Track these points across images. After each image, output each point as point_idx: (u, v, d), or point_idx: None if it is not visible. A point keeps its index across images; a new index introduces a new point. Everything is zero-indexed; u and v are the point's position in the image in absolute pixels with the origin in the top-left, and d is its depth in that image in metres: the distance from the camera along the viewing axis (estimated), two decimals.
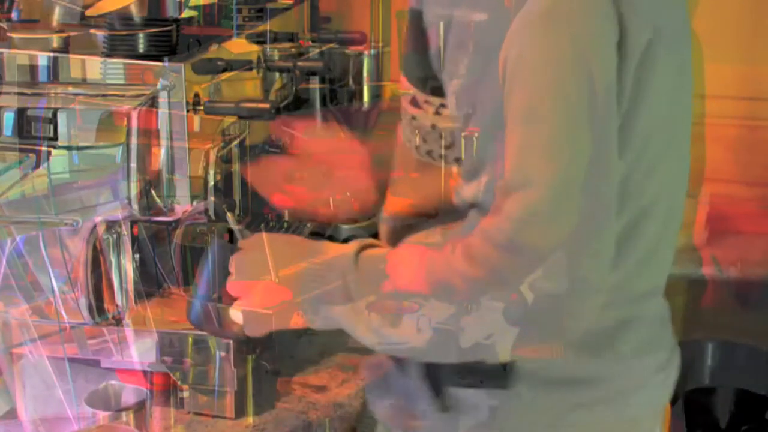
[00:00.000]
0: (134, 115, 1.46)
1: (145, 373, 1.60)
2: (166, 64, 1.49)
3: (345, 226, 2.02)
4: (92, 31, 1.59)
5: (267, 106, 1.53)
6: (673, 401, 2.30)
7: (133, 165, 1.46)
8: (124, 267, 1.56)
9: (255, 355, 1.60)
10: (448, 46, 1.21)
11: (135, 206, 1.48)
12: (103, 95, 1.49)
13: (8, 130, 1.48)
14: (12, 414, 1.59)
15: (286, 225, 1.86)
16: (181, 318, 1.47)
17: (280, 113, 1.60)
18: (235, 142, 1.63)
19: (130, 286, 1.57)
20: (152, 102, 1.48)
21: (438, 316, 1.17)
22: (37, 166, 1.47)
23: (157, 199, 1.50)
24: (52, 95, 1.49)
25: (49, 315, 1.55)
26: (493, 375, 1.26)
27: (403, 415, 1.34)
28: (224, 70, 1.55)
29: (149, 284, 1.63)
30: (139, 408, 1.54)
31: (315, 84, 2.01)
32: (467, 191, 1.22)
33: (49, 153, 1.46)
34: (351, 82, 2.01)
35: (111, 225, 1.53)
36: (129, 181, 1.47)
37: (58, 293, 1.53)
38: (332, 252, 1.26)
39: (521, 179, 1.12)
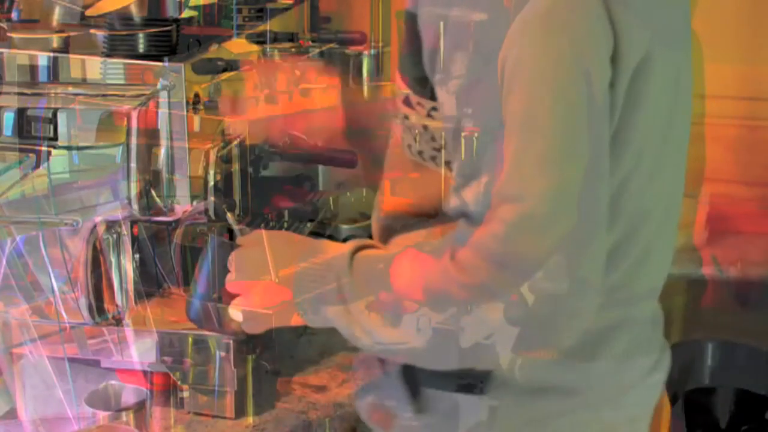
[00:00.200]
0: (134, 115, 1.46)
1: (145, 373, 1.60)
2: (166, 64, 1.49)
3: (345, 226, 2.02)
4: (92, 31, 1.59)
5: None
6: (673, 401, 2.30)
7: (133, 165, 1.46)
8: (124, 267, 1.56)
9: (255, 355, 1.60)
10: (446, 47, 1.21)
11: (135, 206, 1.48)
12: (103, 95, 1.49)
13: (8, 130, 1.48)
14: (12, 414, 1.59)
15: (286, 225, 1.86)
16: (181, 318, 1.47)
17: None
18: (235, 142, 1.63)
19: (130, 286, 1.57)
20: (152, 102, 1.48)
21: (434, 319, 1.17)
22: (37, 166, 1.47)
23: (157, 199, 1.50)
24: (52, 95, 1.49)
25: (49, 315, 1.55)
26: (472, 379, 1.26)
27: (383, 414, 1.35)
28: (224, 70, 1.55)
29: (149, 284, 1.63)
30: (139, 408, 1.54)
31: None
32: (462, 194, 1.21)
33: (49, 153, 1.46)
34: (351, 82, 2.01)
35: (111, 225, 1.53)
36: (129, 181, 1.47)
37: (58, 293, 1.53)
38: (330, 251, 1.26)
39: (515, 190, 1.12)
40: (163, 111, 1.48)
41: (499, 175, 1.13)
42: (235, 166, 1.64)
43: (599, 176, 1.14)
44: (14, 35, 1.59)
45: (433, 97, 1.25)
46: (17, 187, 1.47)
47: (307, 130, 1.60)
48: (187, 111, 1.49)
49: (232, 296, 1.30)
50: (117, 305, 1.56)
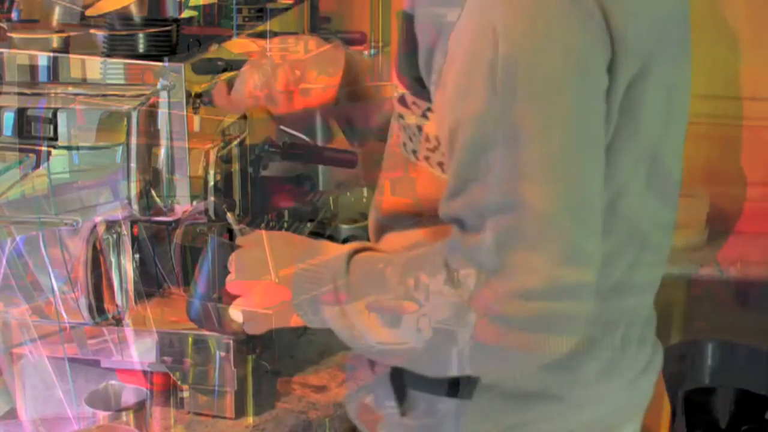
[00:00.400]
0: (134, 115, 1.46)
1: (145, 373, 1.60)
2: (166, 64, 1.49)
3: (345, 226, 2.02)
4: (92, 31, 1.59)
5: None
6: (673, 401, 2.31)
7: (133, 165, 1.46)
8: (124, 267, 1.56)
9: (255, 355, 1.60)
10: (441, 50, 1.20)
11: (135, 206, 1.48)
12: (103, 95, 1.49)
13: (8, 130, 1.48)
14: (12, 414, 1.59)
15: (286, 225, 1.86)
16: (181, 318, 1.47)
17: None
18: (235, 142, 1.63)
19: (130, 286, 1.57)
20: (152, 102, 1.48)
21: (431, 320, 1.17)
22: (37, 166, 1.47)
23: (157, 199, 1.50)
24: (52, 95, 1.49)
25: (49, 315, 1.55)
26: (458, 383, 1.26)
27: (370, 414, 1.35)
28: (224, 70, 1.55)
29: (149, 284, 1.63)
30: (139, 408, 1.54)
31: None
32: (455, 200, 1.20)
33: (49, 153, 1.46)
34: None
35: (111, 225, 1.53)
36: (129, 181, 1.47)
37: (58, 293, 1.53)
38: (330, 252, 1.26)
39: (511, 199, 1.11)
40: (163, 111, 1.48)
41: (493, 184, 1.12)
42: (235, 166, 1.64)
43: (596, 186, 1.13)
44: (14, 35, 1.59)
45: (429, 98, 1.25)
46: (17, 187, 1.47)
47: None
48: (187, 111, 1.49)
49: (233, 297, 1.30)
50: (117, 305, 1.57)
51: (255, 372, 1.60)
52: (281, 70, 1.49)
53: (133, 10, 1.56)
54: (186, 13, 1.69)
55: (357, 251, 1.25)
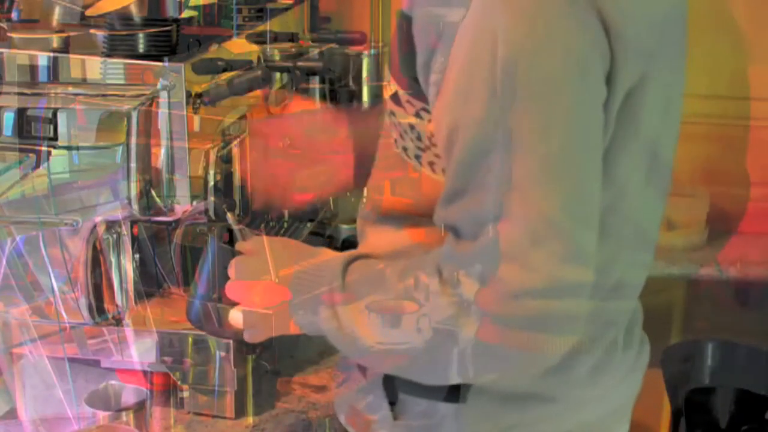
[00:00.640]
0: (134, 115, 1.46)
1: (145, 373, 1.60)
2: (166, 64, 1.49)
3: (345, 226, 2.02)
4: (92, 31, 1.59)
5: (259, 73, 1.53)
6: (673, 401, 2.31)
7: (133, 165, 1.46)
8: (124, 267, 1.56)
9: (255, 355, 1.60)
10: (438, 50, 1.20)
11: (135, 206, 1.48)
12: (103, 95, 1.49)
13: (8, 130, 1.48)
14: (12, 414, 1.59)
15: (286, 224, 1.86)
16: (181, 318, 1.47)
17: (271, 78, 1.60)
18: (235, 142, 1.63)
19: (130, 286, 1.57)
20: (152, 102, 1.48)
21: (430, 323, 1.17)
22: (37, 166, 1.47)
23: (157, 199, 1.50)
24: (52, 95, 1.49)
25: (49, 315, 1.55)
26: (451, 386, 1.26)
27: (360, 418, 1.35)
28: (224, 70, 1.55)
29: (149, 284, 1.63)
30: (139, 408, 1.54)
31: (315, 84, 2.01)
32: (452, 207, 1.20)
33: (49, 153, 1.46)
34: (351, 82, 2.01)
35: (111, 225, 1.53)
36: (129, 181, 1.47)
37: (58, 293, 1.53)
38: (326, 259, 1.27)
39: (507, 201, 1.11)
40: (163, 111, 1.48)
41: (493, 184, 1.12)
42: (235, 166, 1.64)
43: (596, 186, 1.13)
44: (14, 35, 1.59)
45: (424, 98, 1.24)
46: (17, 187, 1.47)
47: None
48: (187, 111, 1.49)
49: (233, 302, 1.30)
50: (117, 305, 1.57)
51: (255, 372, 1.61)
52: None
53: (133, 10, 1.56)
54: (186, 13, 1.69)
55: (355, 258, 1.25)
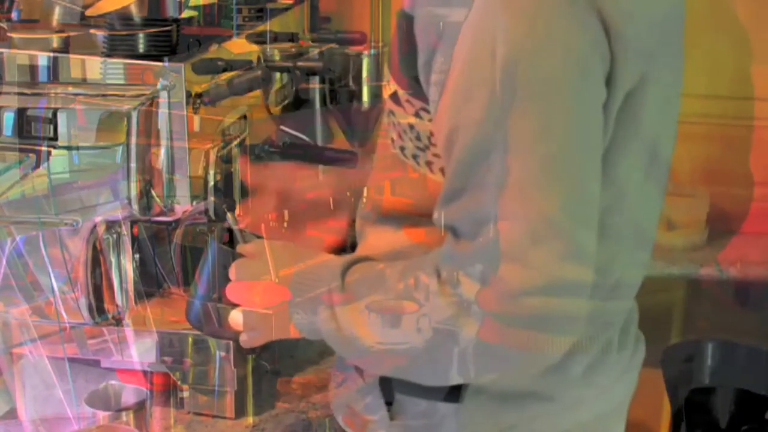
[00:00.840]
0: (134, 115, 1.46)
1: (145, 373, 1.61)
2: (166, 64, 1.49)
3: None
4: (92, 31, 1.59)
5: (259, 73, 1.53)
6: (673, 401, 2.31)
7: (133, 165, 1.46)
8: (124, 267, 1.56)
9: (255, 355, 1.60)
10: (439, 51, 1.20)
11: (135, 206, 1.48)
12: (103, 95, 1.49)
13: (8, 130, 1.48)
14: (12, 414, 1.59)
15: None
16: (181, 318, 1.47)
17: (271, 78, 1.59)
18: (235, 142, 1.63)
19: (130, 286, 1.57)
20: (152, 102, 1.48)
21: (430, 323, 1.17)
22: (37, 166, 1.47)
23: (157, 199, 1.50)
24: (52, 95, 1.49)
25: (49, 315, 1.55)
26: (447, 386, 1.26)
27: (356, 418, 1.35)
28: (224, 70, 1.55)
29: (149, 284, 1.63)
30: (139, 408, 1.54)
31: (315, 84, 2.01)
32: (451, 206, 1.19)
33: (49, 153, 1.46)
34: (351, 82, 2.01)
35: (111, 225, 1.53)
36: (129, 181, 1.47)
37: (58, 293, 1.53)
38: (325, 261, 1.27)
39: (507, 201, 1.11)
40: (163, 111, 1.48)
41: (492, 184, 1.12)
42: (235, 166, 1.64)
43: (595, 186, 1.14)
44: (14, 35, 1.59)
45: (423, 97, 1.24)
46: (17, 187, 1.47)
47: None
48: (187, 111, 1.49)
49: (234, 305, 1.30)
50: (117, 305, 1.57)
51: (255, 372, 1.61)
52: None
53: (133, 10, 1.56)
54: (186, 13, 1.69)
55: (356, 260, 1.25)
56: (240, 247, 1.32)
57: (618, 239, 1.20)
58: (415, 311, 1.17)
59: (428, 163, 1.26)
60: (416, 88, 1.25)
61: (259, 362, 1.62)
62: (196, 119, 1.51)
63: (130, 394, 1.58)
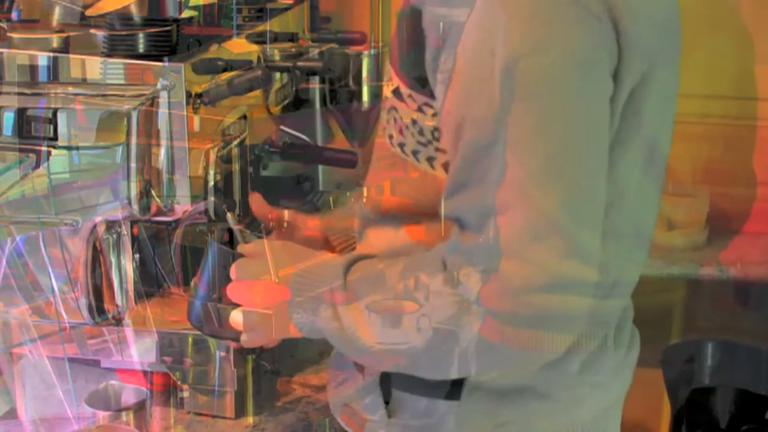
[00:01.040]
0: (134, 115, 1.46)
1: (145, 373, 1.61)
2: (166, 64, 1.49)
3: None
4: (92, 31, 1.59)
5: (259, 73, 1.53)
6: (673, 401, 2.31)
7: (133, 165, 1.46)
8: (124, 267, 1.56)
9: (255, 355, 1.60)
10: (446, 48, 1.21)
11: (135, 206, 1.48)
12: (103, 95, 1.49)
13: (8, 130, 1.48)
14: (12, 414, 1.59)
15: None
16: (181, 318, 1.47)
17: (271, 78, 1.59)
18: (235, 142, 1.63)
19: (130, 286, 1.57)
20: (152, 102, 1.48)
21: (431, 321, 1.17)
22: (37, 166, 1.47)
23: (157, 199, 1.50)
24: (52, 95, 1.49)
25: (49, 315, 1.55)
26: (445, 384, 1.26)
27: (354, 416, 1.35)
28: (224, 70, 1.55)
29: (149, 284, 1.63)
30: (139, 408, 1.54)
31: (315, 84, 2.01)
32: (456, 199, 1.20)
33: (49, 153, 1.46)
34: (351, 82, 2.01)
35: (111, 225, 1.53)
36: (129, 181, 1.47)
37: (58, 293, 1.53)
38: (327, 259, 1.27)
39: (509, 199, 1.11)
40: (163, 111, 1.48)
41: (495, 182, 1.12)
42: (235, 166, 1.64)
43: (598, 185, 1.14)
44: (14, 35, 1.59)
45: (426, 92, 1.25)
46: (17, 187, 1.47)
47: None
48: (187, 111, 1.49)
49: (235, 305, 1.30)
50: (117, 305, 1.57)
51: (255, 372, 1.61)
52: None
53: (133, 10, 1.56)
54: (186, 13, 1.69)
55: (357, 258, 1.25)
56: (240, 247, 1.32)
57: (617, 237, 1.20)
58: (418, 309, 1.17)
59: (429, 159, 1.26)
60: (419, 84, 1.25)
61: (259, 362, 1.62)
62: (196, 119, 1.51)
63: (130, 394, 1.58)
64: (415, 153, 1.28)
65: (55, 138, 1.46)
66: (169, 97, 1.48)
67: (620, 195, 1.19)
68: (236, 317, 1.29)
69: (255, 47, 1.77)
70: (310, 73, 1.82)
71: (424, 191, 1.26)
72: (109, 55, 1.56)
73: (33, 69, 1.55)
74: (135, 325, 1.57)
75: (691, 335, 2.38)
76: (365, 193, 1.39)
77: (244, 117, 1.66)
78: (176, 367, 1.58)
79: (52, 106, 1.47)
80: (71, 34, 1.60)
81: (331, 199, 2.04)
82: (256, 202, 1.46)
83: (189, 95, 1.49)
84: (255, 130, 1.72)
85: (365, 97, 2.03)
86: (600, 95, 1.12)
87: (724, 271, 2.26)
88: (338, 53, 1.98)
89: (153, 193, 1.49)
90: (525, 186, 1.11)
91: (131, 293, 1.57)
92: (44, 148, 1.46)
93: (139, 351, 1.58)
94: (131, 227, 1.58)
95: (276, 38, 1.84)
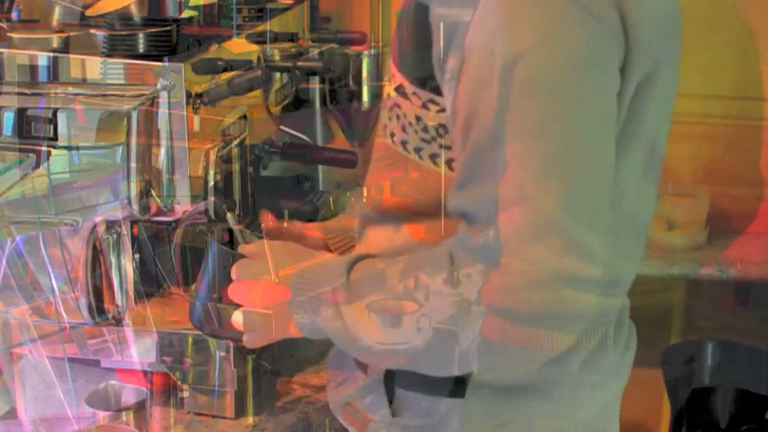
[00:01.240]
0: (134, 115, 1.46)
1: (145, 373, 1.61)
2: (166, 64, 1.49)
3: None
4: (92, 31, 1.59)
5: (259, 73, 1.53)
6: (674, 401, 2.31)
7: (133, 165, 1.46)
8: (124, 267, 1.56)
9: (255, 355, 1.60)
10: (453, 46, 1.21)
11: (135, 206, 1.48)
12: (103, 95, 1.49)
13: (8, 130, 1.48)
14: (12, 414, 1.59)
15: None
16: (181, 318, 1.47)
17: (271, 78, 1.59)
18: (235, 142, 1.63)
19: (130, 286, 1.57)
20: (152, 102, 1.48)
21: (432, 320, 1.17)
22: (37, 166, 1.47)
23: (157, 199, 1.50)
24: (52, 95, 1.49)
25: (49, 315, 1.55)
26: (448, 382, 1.26)
27: (357, 415, 1.35)
28: (224, 70, 1.55)
29: (149, 284, 1.63)
30: (139, 408, 1.54)
31: (315, 84, 2.01)
32: (463, 195, 1.20)
33: (49, 153, 1.46)
34: (351, 82, 2.01)
35: (111, 225, 1.53)
36: (129, 181, 1.47)
37: (58, 293, 1.53)
38: (328, 259, 1.27)
39: (513, 196, 1.11)
40: (163, 111, 1.48)
41: (499, 179, 1.13)
42: (235, 166, 1.64)
43: (603, 183, 1.14)
44: (14, 35, 1.59)
45: (431, 89, 1.25)
46: (17, 187, 1.47)
47: None
48: (187, 111, 1.49)
49: (236, 305, 1.30)
50: (117, 305, 1.57)
51: (255, 372, 1.61)
52: None
53: (133, 10, 1.56)
54: (186, 13, 1.69)
55: (359, 258, 1.25)
56: (241, 248, 1.32)
57: (617, 236, 1.20)
58: (420, 307, 1.17)
59: (432, 156, 1.27)
60: (423, 81, 1.26)
61: (259, 362, 1.62)
62: (196, 119, 1.51)
63: (130, 394, 1.58)
64: (417, 150, 1.28)
65: (55, 138, 1.46)
66: (169, 97, 1.48)
67: (620, 194, 1.19)
68: (237, 318, 1.29)
69: (255, 47, 1.77)
70: (310, 73, 1.82)
71: (424, 190, 1.26)
72: (109, 55, 1.56)
73: (33, 69, 1.55)
74: (135, 325, 1.57)
75: (691, 335, 2.38)
76: (365, 193, 1.39)
77: (244, 117, 1.66)
78: (176, 367, 1.58)
79: (52, 106, 1.47)
80: (71, 34, 1.60)
81: (331, 199, 2.04)
82: (266, 221, 1.45)
83: (189, 95, 1.49)
84: (255, 130, 1.72)
85: (365, 97, 2.03)
86: (602, 94, 1.13)
87: (724, 271, 2.26)
88: (338, 53, 1.98)
89: (153, 193, 1.49)
90: (525, 185, 1.11)
91: (131, 293, 1.57)
92: (44, 148, 1.46)
93: (139, 351, 1.58)
94: (131, 227, 1.58)
95: (276, 38, 1.84)
